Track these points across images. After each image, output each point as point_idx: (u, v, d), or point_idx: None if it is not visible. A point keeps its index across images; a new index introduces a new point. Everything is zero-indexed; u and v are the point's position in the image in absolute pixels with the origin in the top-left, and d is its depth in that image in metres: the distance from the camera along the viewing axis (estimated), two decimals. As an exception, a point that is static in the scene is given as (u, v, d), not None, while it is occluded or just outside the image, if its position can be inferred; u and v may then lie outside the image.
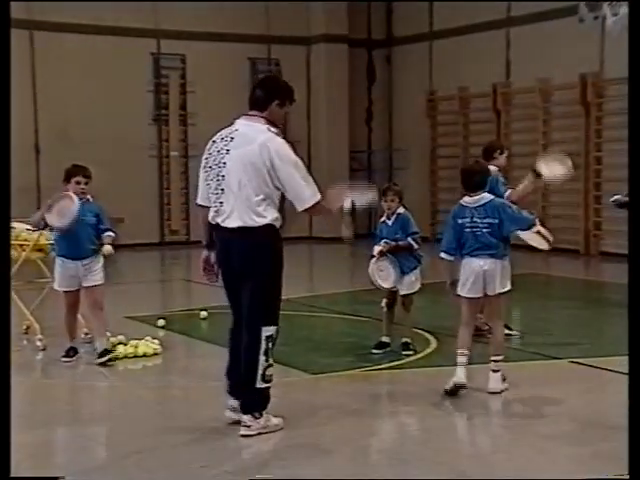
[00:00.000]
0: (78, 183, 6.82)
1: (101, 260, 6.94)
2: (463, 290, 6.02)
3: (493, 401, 5.95)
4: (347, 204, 5.42)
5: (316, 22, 17.38)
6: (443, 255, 6.06)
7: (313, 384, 6.44)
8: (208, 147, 5.18)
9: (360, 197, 5.53)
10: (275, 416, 5.17)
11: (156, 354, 7.18)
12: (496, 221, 5.93)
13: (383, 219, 7.21)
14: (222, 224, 5.05)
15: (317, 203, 5.01)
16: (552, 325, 8.32)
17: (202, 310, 8.91)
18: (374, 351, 7.15)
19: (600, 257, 13.76)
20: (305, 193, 4.97)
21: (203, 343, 7.92)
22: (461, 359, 6.02)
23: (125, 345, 7.23)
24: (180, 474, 4.53)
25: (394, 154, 18.03)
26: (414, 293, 7.22)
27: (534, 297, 10.58)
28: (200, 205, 5.22)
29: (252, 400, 5.06)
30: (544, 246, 6.93)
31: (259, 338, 4.99)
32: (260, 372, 4.99)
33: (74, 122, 15.35)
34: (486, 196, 6.00)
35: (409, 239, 7.11)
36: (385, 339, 7.24)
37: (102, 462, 4.79)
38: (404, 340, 7.20)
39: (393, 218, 7.15)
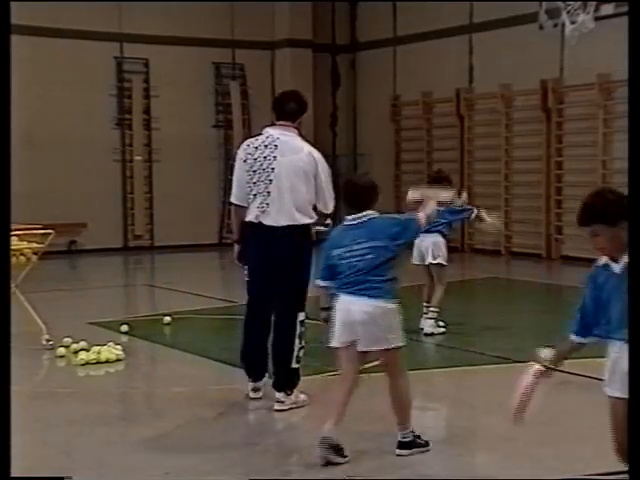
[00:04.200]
0: None
1: None
2: (419, 260, 8.09)
3: (464, 405, 5.99)
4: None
5: (280, 27, 17.37)
6: None
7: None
8: (250, 152, 5.64)
9: None
10: (301, 392, 5.67)
11: (119, 360, 7.13)
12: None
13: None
14: (267, 223, 5.55)
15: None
16: (514, 329, 8.40)
17: (165, 316, 8.88)
18: None
19: (561, 261, 13.91)
20: (333, 198, 5.67)
21: (166, 349, 7.89)
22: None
23: (87, 351, 7.18)
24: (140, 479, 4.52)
25: (358, 159, 18.09)
26: None
27: (496, 301, 10.69)
28: (237, 205, 5.75)
29: (287, 379, 5.58)
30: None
31: (295, 323, 5.55)
32: (295, 354, 5.56)
33: (36, 126, 15.15)
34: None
35: None
36: None
37: (62, 468, 4.75)
38: None
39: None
